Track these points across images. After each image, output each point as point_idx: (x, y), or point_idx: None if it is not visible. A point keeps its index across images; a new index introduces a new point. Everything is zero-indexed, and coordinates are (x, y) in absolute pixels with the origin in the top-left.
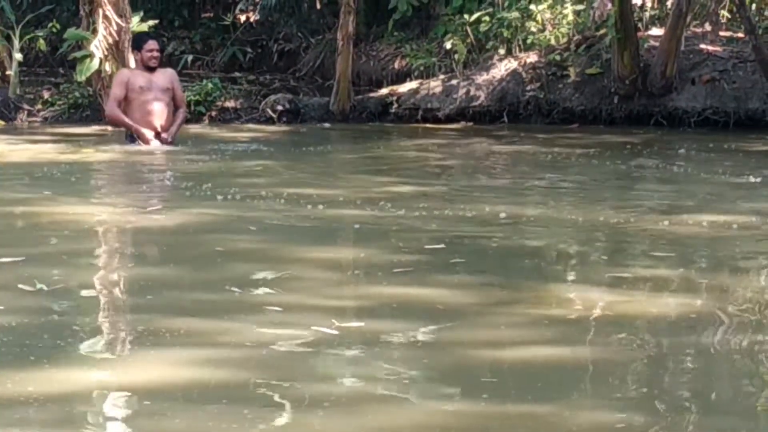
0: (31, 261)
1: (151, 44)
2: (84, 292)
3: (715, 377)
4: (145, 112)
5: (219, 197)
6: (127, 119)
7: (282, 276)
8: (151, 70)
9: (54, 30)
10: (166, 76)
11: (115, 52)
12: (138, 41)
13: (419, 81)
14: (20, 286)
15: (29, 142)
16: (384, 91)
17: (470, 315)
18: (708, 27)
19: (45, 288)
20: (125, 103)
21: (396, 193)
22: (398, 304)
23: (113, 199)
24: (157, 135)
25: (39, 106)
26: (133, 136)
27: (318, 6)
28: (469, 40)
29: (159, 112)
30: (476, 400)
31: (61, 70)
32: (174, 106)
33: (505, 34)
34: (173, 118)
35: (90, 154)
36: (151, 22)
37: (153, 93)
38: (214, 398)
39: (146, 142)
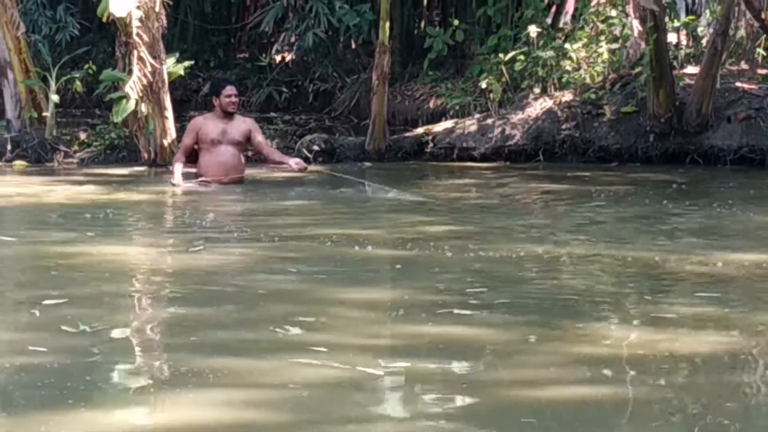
0: (73, 302)
1: (229, 89)
2: (126, 334)
3: (756, 419)
4: (214, 163)
5: (260, 238)
6: (175, 168)
7: (324, 316)
8: (229, 115)
9: (90, 71)
10: (243, 126)
11: (150, 93)
12: (216, 87)
13: (454, 120)
14: (63, 327)
15: (66, 183)
16: (419, 130)
17: (512, 355)
18: (744, 65)
19: (87, 330)
20: (198, 150)
21: (435, 232)
22: (441, 344)
23: (154, 239)
24: (222, 182)
25: (75, 148)
26: (201, 178)
27: (353, 46)
28: (504, 80)
29: (227, 165)
30: None
31: (97, 111)
32: (259, 153)
33: (540, 73)
34: (270, 158)
35: (129, 195)
36: (186, 63)
37: (224, 146)
38: None
39: (225, 181)
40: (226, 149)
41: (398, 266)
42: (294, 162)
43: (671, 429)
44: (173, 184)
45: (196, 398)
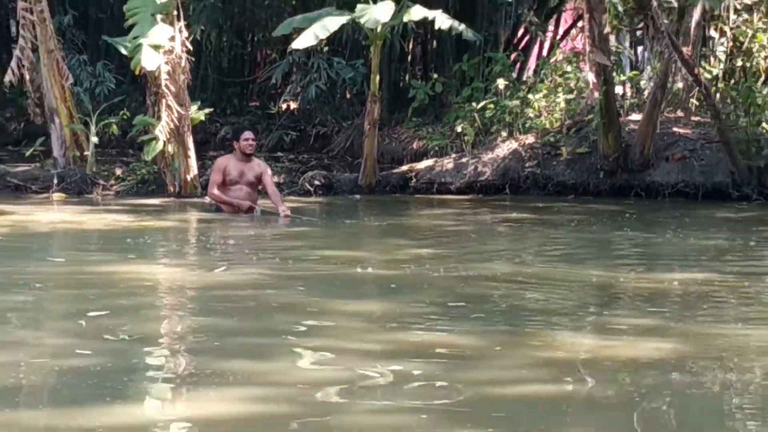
0: (113, 314)
1: (247, 134)
2: (158, 341)
3: (684, 411)
4: (233, 198)
5: (273, 259)
6: (225, 197)
7: (328, 326)
8: (247, 157)
9: (125, 117)
10: (257, 168)
11: (176, 136)
12: (236, 132)
13: (434, 159)
14: (105, 336)
15: (104, 212)
16: (404, 167)
17: (485, 359)
18: (680, 113)
19: (126, 338)
20: (220, 185)
21: (418, 255)
22: (427, 349)
23: (182, 260)
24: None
25: (112, 182)
26: (218, 207)
27: (348, 96)
28: (476, 125)
29: (243, 200)
30: (484, 427)
31: (130, 151)
32: (266, 191)
33: (507, 119)
34: (271, 198)
35: (158, 222)
36: (206, 110)
37: (240, 185)
38: (262, 430)
39: (244, 208)
40: (241, 188)
41: (392, 285)
42: (282, 210)
43: (617, 419)
44: (251, 209)
45: (218, 395)
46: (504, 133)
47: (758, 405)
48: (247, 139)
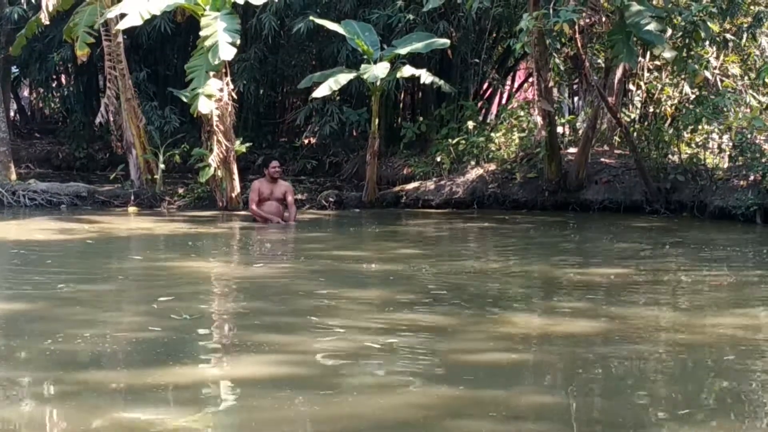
0: (178, 299)
1: (274, 163)
2: (211, 319)
3: (608, 372)
4: (266, 212)
5: (298, 257)
6: (261, 212)
7: (339, 308)
8: (274, 180)
9: (185, 149)
10: (283, 187)
11: (224, 164)
12: (265, 161)
13: (420, 182)
14: (171, 315)
15: (170, 221)
16: (397, 188)
17: (458, 333)
18: (606, 147)
19: (187, 317)
20: (257, 202)
21: (408, 255)
22: (414, 326)
23: (229, 258)
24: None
25: (175, 198)
26: (255, 220)
27: (355, 134)
28: (451, 156)
29: (272, 213)
30: (457, 386)
31: (189, 175)
32: (286, 205)
33: (475, 152)
34: (287, 211)
35: (210, 229)
36: (247, 144)
37: (271, 201)
38: (289, 387)
39: (275, 221)
40: (272, 203)
41: (390, 278)
42: (288, 220)
43: (559, 380)
44: (278, 222)
45: (255, 361)
46: (473, 162)
47: (663, 367)
48: (274, 167)
